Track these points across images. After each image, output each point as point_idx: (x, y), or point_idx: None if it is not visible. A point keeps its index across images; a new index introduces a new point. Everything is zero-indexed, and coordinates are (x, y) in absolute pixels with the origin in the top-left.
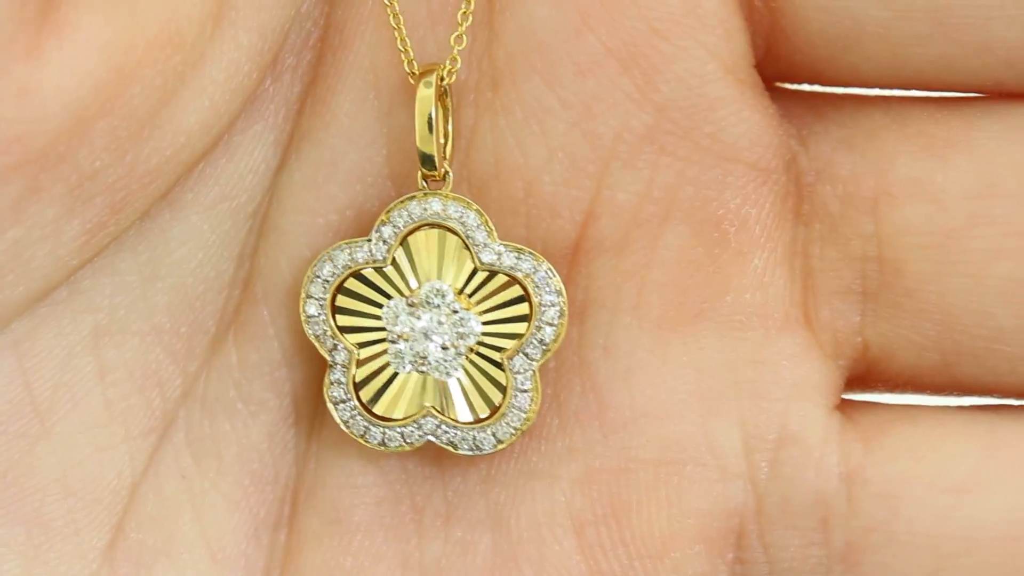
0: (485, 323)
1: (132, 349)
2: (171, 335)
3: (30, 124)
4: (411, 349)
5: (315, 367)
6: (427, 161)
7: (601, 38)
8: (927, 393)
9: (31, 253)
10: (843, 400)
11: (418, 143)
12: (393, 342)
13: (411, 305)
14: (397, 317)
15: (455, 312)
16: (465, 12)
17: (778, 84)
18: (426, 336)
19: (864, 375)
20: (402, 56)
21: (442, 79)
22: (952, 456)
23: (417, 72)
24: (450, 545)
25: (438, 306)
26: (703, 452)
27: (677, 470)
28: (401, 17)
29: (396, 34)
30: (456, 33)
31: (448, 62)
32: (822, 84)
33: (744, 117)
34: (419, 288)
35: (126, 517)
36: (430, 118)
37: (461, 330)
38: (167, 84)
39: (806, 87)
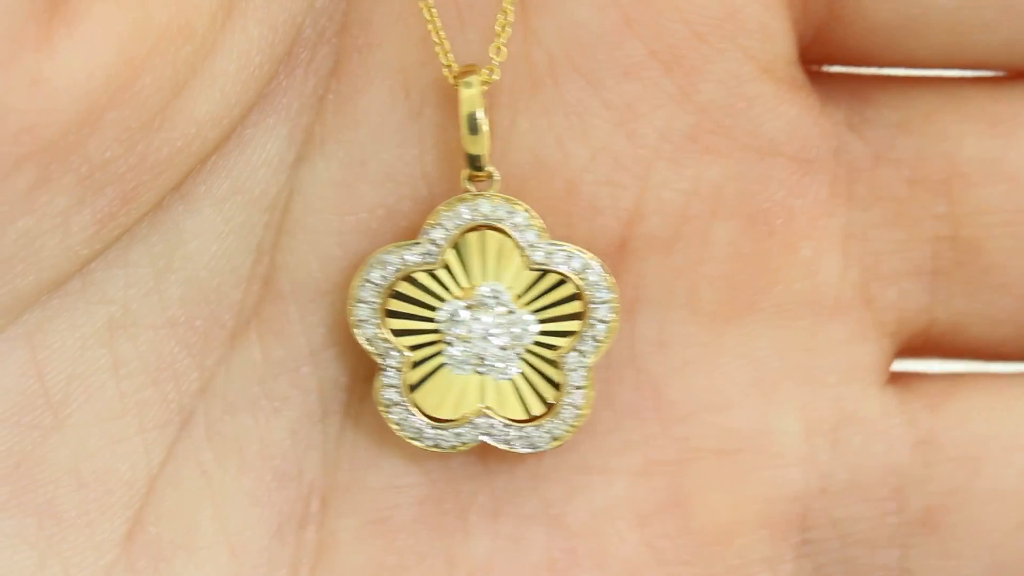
0: (539, 322)
1: (146, 342)
2: (186, 328)
3: (40, 114)
4: (469, 350)
5: (344, 366)
6: (474, 162)
7: (645, 41)
8: (992, 360)
9: (41, 243)
10: (895, 373)
11: (465, 144)
12: (450, 344)
13: (469, 307)
14: (455, 319)
15: (512, 312)
16: (504, 24)
17: (824, 68)
18: (486, 337)
19: (921, 346)
20: (440, 58)
21: (484, 82)
22: None
23: (456, 72)
24: (500, 541)
25: (495, 307)
26: (762, 440)
27: (738, 458)
28: (436, 16)
29: (434, 35)
30: (495, 44)
31: (487, 66)
32: (874, 67)
33: (781, 112)
34: (475, 289)
35: (144, 511)
36: (475, 118)
37: (518, 330)
38: (178, 75)
39: (852, 71)
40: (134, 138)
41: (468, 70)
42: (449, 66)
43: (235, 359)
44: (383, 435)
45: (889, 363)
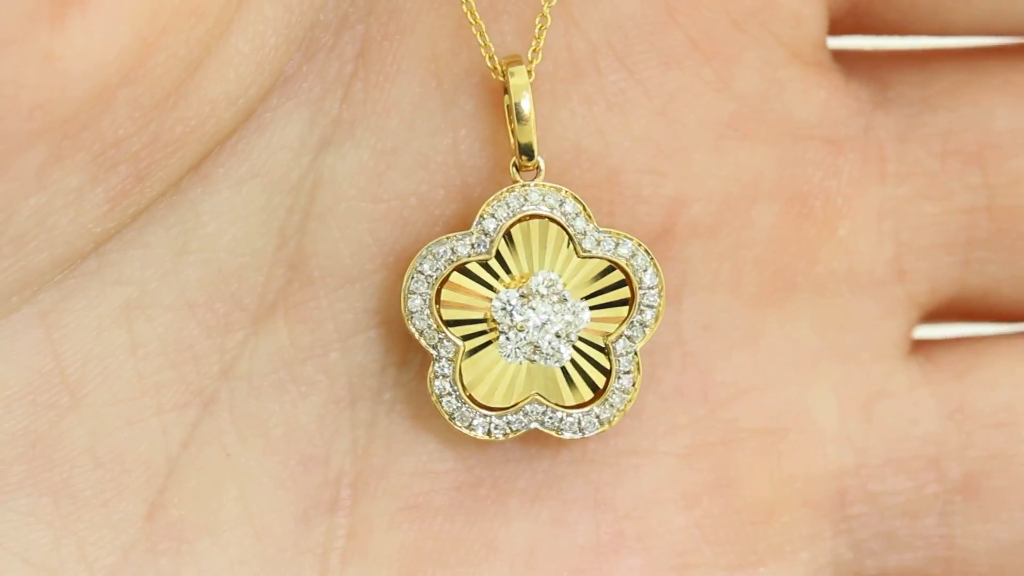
0: (590, 308)
1: (164, 323)
2: (205, 310)
3: (53, 91)
4: (524, 339)
5: (374, 352)
6: (526, 150)
7: (686, 30)
8: (1018, 321)
9: (54, 221)
10: (916, 342)
11: (515, 133)
12: (504, 333)
13: (523, 296)
14: (509, 308)
15: (565, 300)
16: (543, 16)
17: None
18: (541, 326)
19: (944, 311)
20: (481, 48)
21: (530, 72)
22: None
23: (502, 63)
24: (542, 525)
25: (549, 296)
26: (803, 419)
27: (781, 438)
28: (474, 5)
29: (472, 24)
30: (536, 41)
31: (530, 53)
32: (908, 35)
33: (811, 96)
34: (528, 279)
35: (166, 492)
36: (522, 107)
37: (571, 318)
38: (191, 54)
39: (875, 44)
40: (147, 116)
41: (514, 60)
42: (492, 56)
43: (260, 343)
44: (417, 421)
45: (911, 333)
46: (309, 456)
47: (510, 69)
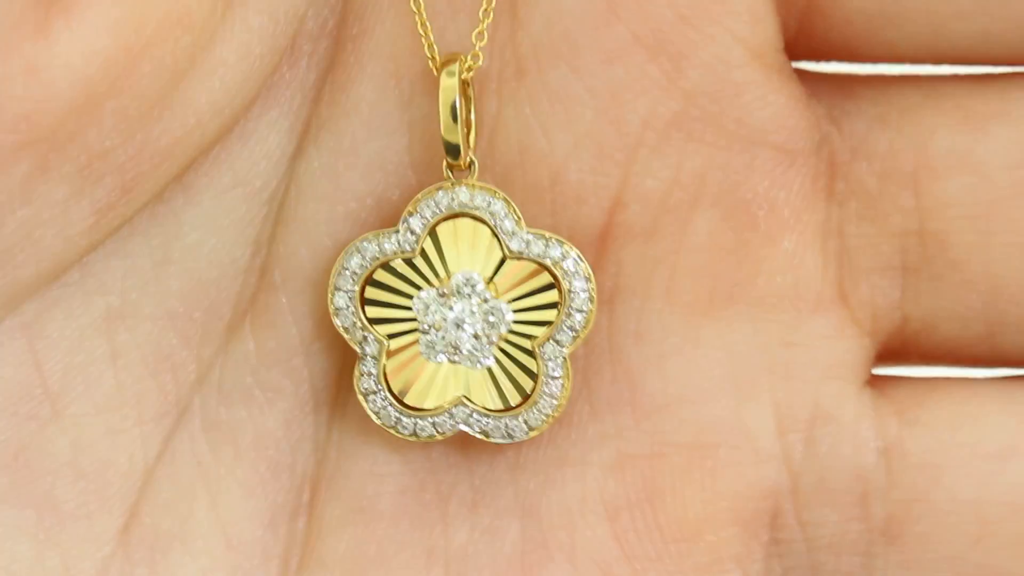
0: (515, 311)
1: (145, 333)
2: (184, 320)
3: (38, 102)
4: (443, 339)
5: (333, 356)
6: (452, 150)
7: (629, 26)
8: (967, 365)
9: (40, 233)
10: (874, 376)
11: (443, 132)
12: (424, 332)
13: (442, 295)
14: (428, 307)
15: (486, 301)
16: (487, 9)
17: (808, 63)
18: (458, 326)
19: (900, 348)
20: (424, 47)
21: (468, 68)
22: (991, 425)
23: (439, 61)
24: (477, 533)
25: (469, 295)
26: (737, 435)
27: (711, 453)
28: (422, 4)
29: (417, 22)
30: (478, 29)
31: (471, 52)
32: (856, 61)
33: (770, 101)
34: (449, 278)
35: (140, 502)
36: (454, 107)
37: (492, 319)
38: (177, 64)
39: (837, 68)
40: (133, 127)
41: (450, 58)
42: (433, 57)
43: (231, 350)
44: (367, 424)
45: (869, 364)
46: (277, 462)
47: (445, 69)
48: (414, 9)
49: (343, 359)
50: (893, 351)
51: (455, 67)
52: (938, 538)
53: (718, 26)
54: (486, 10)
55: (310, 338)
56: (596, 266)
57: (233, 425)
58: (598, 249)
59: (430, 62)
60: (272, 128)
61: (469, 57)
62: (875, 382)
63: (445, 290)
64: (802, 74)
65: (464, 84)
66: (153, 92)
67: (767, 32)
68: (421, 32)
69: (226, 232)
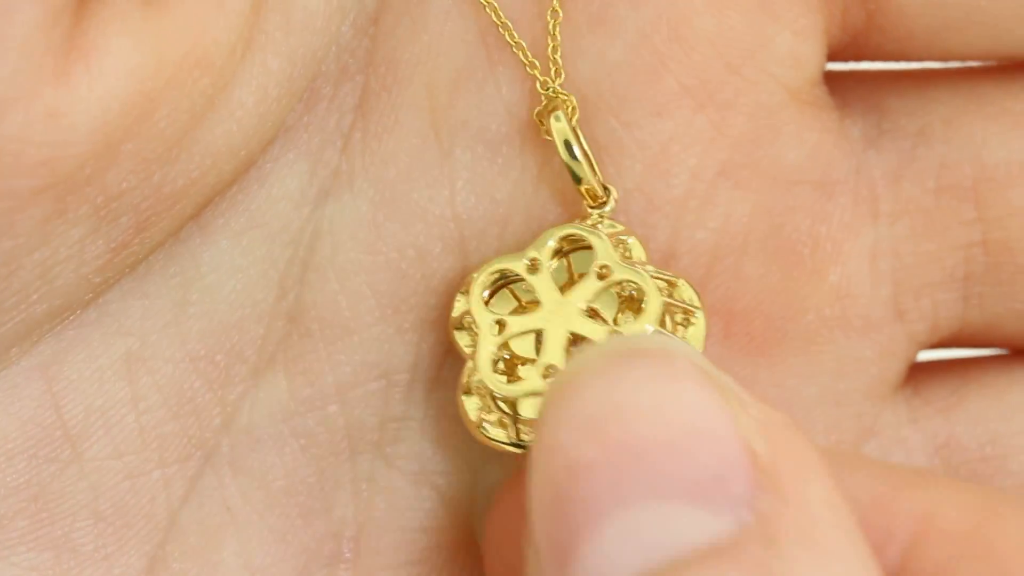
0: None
1: (166, 376)
2: (207, 363)
3: (57, 147)
4: None
5: (371, 407)
6: (576, 178)
7: (678, 77)
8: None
9: (56, 272)
10: (908, 373)
11: (566, 161)
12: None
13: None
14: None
15: None
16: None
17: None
18: None
19: (949, 342)
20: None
21: (570, 116)
22: None
23: (541, 110)
24: None
25: None
26: None
27: None
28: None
29: (528, 68)
30: (558, 81)
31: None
32: (908, 61)
33: (804, 139)
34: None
35: (168, 546)
36: (569, 145)
37: None
38: (195, 107)
39: (867, 67)
40: (150, 169)
41: (551, 107)
42: (545, 96)
43: (260, 395)
44: (419, 477)
45: (906, 369)
46: (310, 509)
47: (552, 115)
48: (520, 57)
49: (384, 410)
50: (941, 342)
51: (560, 114)
52: None
53: (762, 72)
54: (556, 58)
55: (347, 386)
56: None
57: (264, 470)
58: None
59: (541, 105)
60: (290, 170)
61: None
62: (908, 380)
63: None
64: (837, 86)
65: (574, 129)
66: (171, 134)
67: (807, 72)
68: (539, 86)
69: (246, 274)
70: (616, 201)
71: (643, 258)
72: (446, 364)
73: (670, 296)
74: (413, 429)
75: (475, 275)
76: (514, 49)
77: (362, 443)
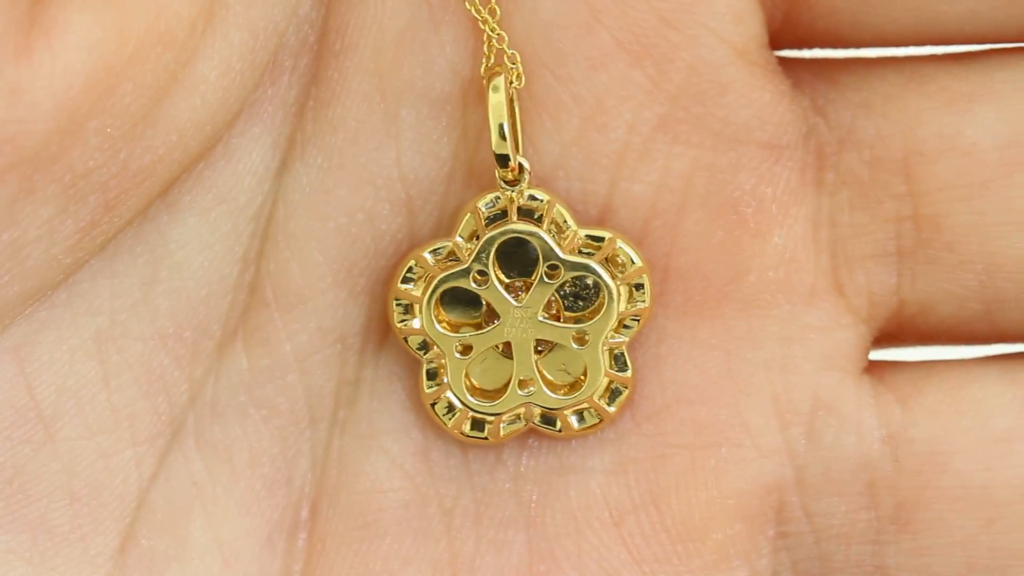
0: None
1: (136, 354)
2: (175, 340)
3: (22, 124)
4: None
5: (329, 371)
6: (502, 160)
7: (612, 32)
8: (964, 343)
9: (26, 253)
10: (871, 362)
11: (494, 147)
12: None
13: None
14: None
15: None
16: (486, 24)
17: (793, 51)
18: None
19: (896, 331)
20: (485, 57)
21: (511, 83)
22: (994, 408)
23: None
24: (483, 544)
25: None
26: (738, 432)
27: (713, 452)
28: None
29: (485, 29)
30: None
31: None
32: (841, 47)
33: (754, 99)
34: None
35: (137, 524)
36: (501, 126)
37: None
38: (158, 82)
39: (818, 53)
40: (116, 146)
41: (494, 73)
42: (488, 65)
43: (223, 369)
44: (368, 440)
45: (866, 351)
46: (272, 479)
47: (491, 84)
48: (477, 16)
49: (339, 374)
50: (890, 334)
51: (500, 82)
52: (949, 523)
53: (701, 27)
54: (488, 26)
55: (304, 354)
56: None
57: (228, 443)
58: None
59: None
60: (255, 144)
61: (513, 74)
62: (872, 368)
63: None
64: (786, 63)
65: (510, 100)
66: (135, 110)
67: (751, 29)
68: (485, 39)
69: (213, 250)
70: (528, 180)
71: (572, 222)
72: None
73: (611, 258)
74: (363, 391)
75: (422, 294)
76: (467, 5)
77: (320, 409)
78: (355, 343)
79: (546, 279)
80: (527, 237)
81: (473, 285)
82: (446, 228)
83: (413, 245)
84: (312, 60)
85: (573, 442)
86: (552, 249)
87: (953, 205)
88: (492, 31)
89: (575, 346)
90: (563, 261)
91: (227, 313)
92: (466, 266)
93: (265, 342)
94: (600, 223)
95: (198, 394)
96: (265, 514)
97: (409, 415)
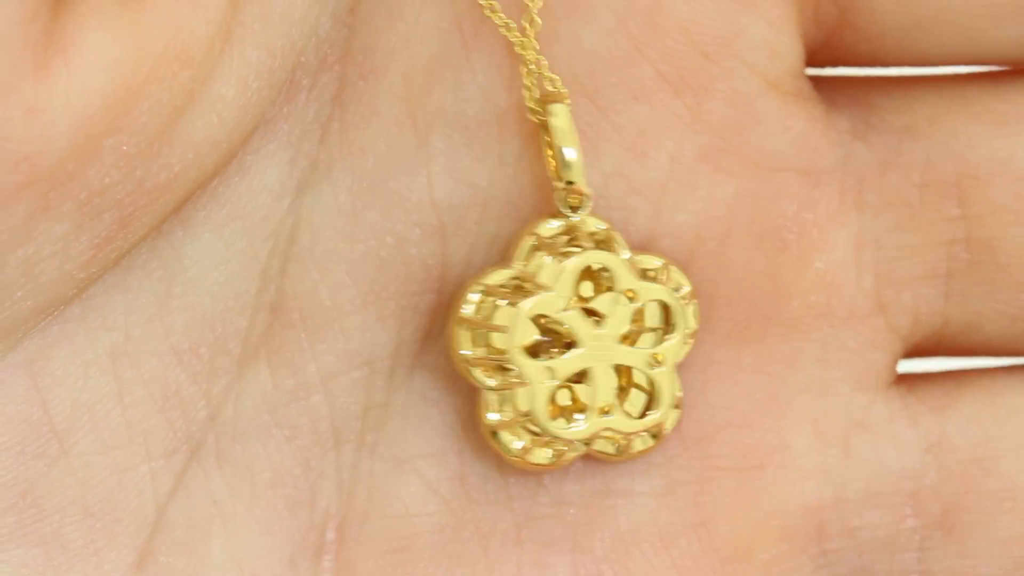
0: None
1: (150, 369)
2: (191, 356)
3: (39, 143)
4: None
5: (354, 395)
6: (569, 186)
7: (654, 63)
8: (1004, 356)
9: (40, 269)
10: (902, 376)
11: (561, 171)
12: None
13: None
14: None
15: None
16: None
17: (831, 71)
18: None
19: (932, 346)
20: (525, 88)
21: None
22: None
23: (539, 101)
24: (525, 568)
25: None
26: (781, 455)
27: (758, 474)
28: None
29: (523, 68)
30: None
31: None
32: (878, 67)
33: (788, 126)
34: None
35: (155, 540)
36: (570, 149)
37: None
38: (175, 100)
39: (855, 73)
40: (132, 164)
41: (552, 98)
42: (532, 95)
43: (245, 387)
44: (400, 463)
45: (896, 364)
46: (295, 500)
47: (551, 109)
48: (514, 42)
49: (367, 398)
50: (922, 348)
51: (560, 108)
52: (995, 524)
53: (737, 60)
54: (527, 54)
55: (330, 375)
56: None
57: (250, 462)
58: None
59: (530, 101)
60: (270, 161)
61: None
62: (902, 381)
63: None
64: (821, 86)
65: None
66: (152, 129)
67: (786, 63)
68: (525, 79)
69: (228, 266)
70: (591, 206)
71: (626, 250)
72: (425, 348)
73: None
74: (394, 415)
75: (509, 324)
76: (502, 30)
77: (346, 432)
78: (384, 367)
79: (623, 304)
80: (609, 263)
81: (558, 312)
82: (488, 254)
83: (445, 271)
84: (332, 80)
85: (619, 466)
86: (629, 275)
87: (1009, 228)
88: (532, 59)
89: (650, 370)
90: (640, 287)
91: (246, 331)
92: (552, 293)
93: (289, 362)
94: (643, 251)
95: (218, 412)
96: (287, 534)
97: (445, 440)
